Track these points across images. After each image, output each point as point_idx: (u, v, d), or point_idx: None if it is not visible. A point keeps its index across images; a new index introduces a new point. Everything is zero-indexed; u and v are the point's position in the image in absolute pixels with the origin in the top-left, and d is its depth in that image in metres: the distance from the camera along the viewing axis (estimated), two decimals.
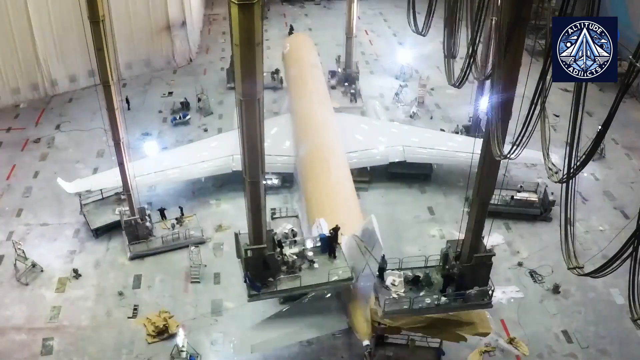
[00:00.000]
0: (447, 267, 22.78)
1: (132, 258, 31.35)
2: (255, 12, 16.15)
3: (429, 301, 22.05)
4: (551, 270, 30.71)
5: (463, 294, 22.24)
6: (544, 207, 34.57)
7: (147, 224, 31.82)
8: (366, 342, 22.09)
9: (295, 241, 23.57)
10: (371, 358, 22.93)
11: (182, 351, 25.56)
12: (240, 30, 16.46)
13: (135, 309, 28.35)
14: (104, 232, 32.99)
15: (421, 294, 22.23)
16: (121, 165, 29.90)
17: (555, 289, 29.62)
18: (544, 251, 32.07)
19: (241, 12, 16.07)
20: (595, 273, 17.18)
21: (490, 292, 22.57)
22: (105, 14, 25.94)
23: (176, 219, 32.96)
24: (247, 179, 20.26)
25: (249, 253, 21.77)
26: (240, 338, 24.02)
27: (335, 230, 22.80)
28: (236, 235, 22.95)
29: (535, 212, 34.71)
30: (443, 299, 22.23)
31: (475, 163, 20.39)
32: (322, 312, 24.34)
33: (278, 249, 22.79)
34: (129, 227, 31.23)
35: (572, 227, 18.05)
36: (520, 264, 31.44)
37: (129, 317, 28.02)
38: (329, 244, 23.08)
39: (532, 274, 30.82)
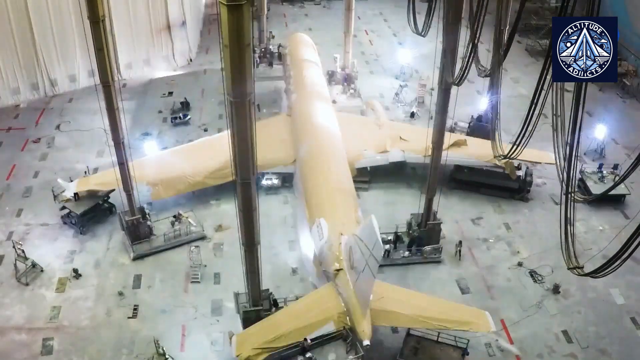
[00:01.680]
0: (410, 231, 31.70)
1: (135, 258, 31.30)
2: (244, 12, 16.32)
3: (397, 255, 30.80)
4: (551, 270, 30.71)
5: (421, 249, 31.00)
6: (523, 185, 35.93)
7: (148, 222, 31.86)
8: (366, 342, 22.08)
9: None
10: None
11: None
12: (229, 31, 16.65)
13: (135, 309, 28.33)
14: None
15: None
16: (121, 165, 29.89)
17: (555, 289, 29.61)
18: (544, 251, 32.08)
19: (230, 13, 16.23)
20: (595, 273, 17.18)
21: (440, 249, 31.31)
22: (105, 14, 25.92)
23: (174, 216, 32.95)
24: (239, 180, 20.48)
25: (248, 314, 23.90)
26: (240, 338, 23.99)
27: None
28: (235, 296, 25.49)
29: (513, 185, 36.00)
30: (407, 253, 31.04)
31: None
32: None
33: (274, 309, 24.74)
34: (131, 227, 31.19)
35: (572, 227, 18.09)
36: (520, 264, 31.43)
37: (129, 317, 28.00)
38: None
39: (532, 274, 30.81)
